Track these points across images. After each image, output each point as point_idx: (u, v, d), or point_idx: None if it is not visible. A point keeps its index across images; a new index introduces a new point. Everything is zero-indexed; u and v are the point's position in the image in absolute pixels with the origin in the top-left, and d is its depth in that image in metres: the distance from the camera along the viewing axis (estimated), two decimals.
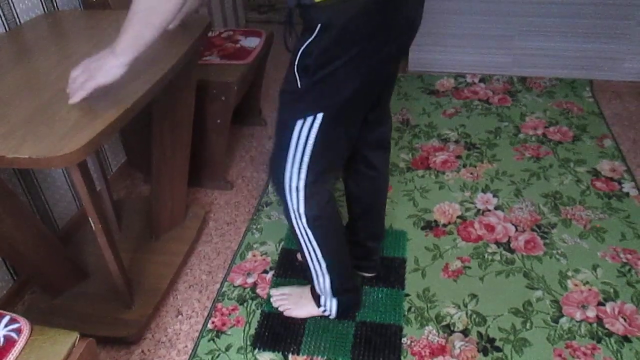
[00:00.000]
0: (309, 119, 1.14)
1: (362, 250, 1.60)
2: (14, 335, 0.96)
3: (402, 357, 1.44)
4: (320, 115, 1.13)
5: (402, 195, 2.02)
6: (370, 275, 1.66)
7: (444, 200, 1.99)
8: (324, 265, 1.39)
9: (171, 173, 1.71)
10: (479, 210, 1.93)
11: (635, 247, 1.74)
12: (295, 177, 1.21)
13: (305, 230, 1.30)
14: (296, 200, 1.25)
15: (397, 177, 2.11)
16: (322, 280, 1.43)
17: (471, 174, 2.12)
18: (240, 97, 2.02)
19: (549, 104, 2.55)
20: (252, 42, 2.13)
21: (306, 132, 1.15)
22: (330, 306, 1.50)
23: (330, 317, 1.53)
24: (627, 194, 1.97)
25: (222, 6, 3.00)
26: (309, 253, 1.37)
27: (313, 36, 1.06)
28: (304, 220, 1.28)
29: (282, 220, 1.93)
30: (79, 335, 0.99)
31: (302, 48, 1.08)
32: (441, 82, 2.79)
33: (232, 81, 1.88)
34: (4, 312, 1.01)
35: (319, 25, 1.04)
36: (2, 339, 0.95)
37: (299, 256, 1.72)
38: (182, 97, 1.62)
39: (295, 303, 1.56)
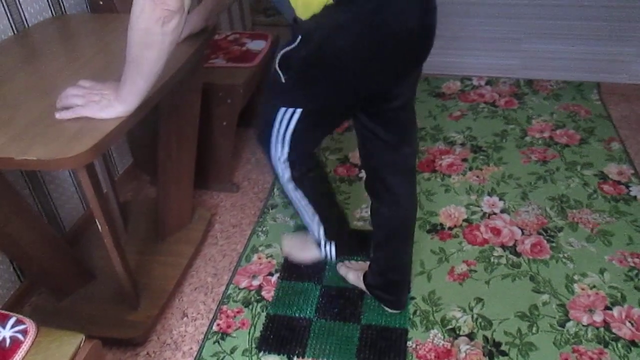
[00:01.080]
0: (290, 110, 1.21)
1: (383, 281, 1.53)
2: (20, 336, 0.97)
3: None
4: (299, 111, 1.20)
5: None
6: (394, 311, 1.57)
7: (450, 203, 1.99)
8: (316, 218, 1.48)
9: (177, 175, 1.72)
10: (485, 213, 1.93)
11: None
12: (280, 150, 1.29)
13: (295, 190, 1.39)
14: (282, 168, 1.34)
15: None
16: (318, 229, 1.51)
17: (477, 177, 2.11)
18: (246, 100, 2.02)
19: (555, 107, 2.54)
20: (258, 45, 2.13)
21: (287, 119, 1.22)
22: (330, 250, 1.56)
23: (332, 260, 1.62)
24: (635, 198, 1.96)
25: (228, 9, 3.01)
26: (302, 209, 1.45)
27: (294, 45, 1.10)
28: (292, 184, 1.37)
29: (288, 223, 1.93)
30: (84, 337, 1.00)
31: (283, 52, 1.13)
32: (447, 84, 2.78)
33: (238, 84, 1.89)
34: (11, 313, 1.02)
35: (299, 37, 1.09)
36: (8, 340, 0.96)
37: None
38: (188, 99, 1.62)
39: (301, 249, 1.67)
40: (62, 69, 1.32)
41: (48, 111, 1.12)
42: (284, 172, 1.34)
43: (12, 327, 0.98)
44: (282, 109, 1.22)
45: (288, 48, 1.11)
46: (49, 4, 1.67)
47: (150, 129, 1.85)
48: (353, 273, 1.63)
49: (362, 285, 1.59)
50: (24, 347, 0.96)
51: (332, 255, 1.57)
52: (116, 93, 1.11)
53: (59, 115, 1.10)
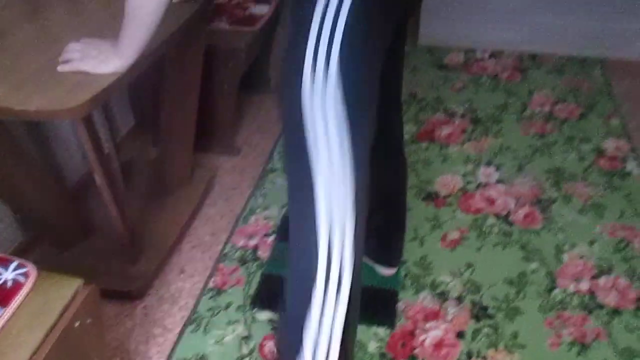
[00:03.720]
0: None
1: (377, 243, 1.53)
2: (21, 278, 1.01)
3: (396, 321, 1.48)
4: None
5: None
6: (388, 271, 1.58)
7: (447, 172, 2.01)
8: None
9: (178, 133, 1.75)
10: (480, 183, 1.95)
11: (633, 224, 1.76)
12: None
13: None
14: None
15: None
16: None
17: (475, 147, 2.13)
18: (248, 64, 2.03)
19: (558, 82, 2.54)
20: (262, 9, 2.13)
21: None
22: None
23: None
24: (630, 173, 1.98)
25: None
26: None
27: None
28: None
29: (285, 187, 1.95)
30: (82, 282, 1.04)
31: None
32: (450, 56, 2.77)
33: (241, 47, 1.90)
34: (13, 257, 1.06)
35: None
36: (10, 282, 1.00)
37: None
38: (192, 58, 1.64)
39: None
40: (64, 23, 1.33)
41: (48, 64, 1.14)
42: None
43: (14, 270, 1.02)
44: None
45: None
46: None
47: (153, 89, 1.87)
48: None
49: None
50: (25, 289, 1.00)
51: None
52: (114, 48, 1.13)
53: (60, 68, 1.13)
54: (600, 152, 2.08)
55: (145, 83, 1.85)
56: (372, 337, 1.44)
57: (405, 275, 1.61)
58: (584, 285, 1.56)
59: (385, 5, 0.93)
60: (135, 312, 1.54)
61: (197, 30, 1.55)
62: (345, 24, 0.84)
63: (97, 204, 1.80)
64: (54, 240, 1.64)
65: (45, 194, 1.53)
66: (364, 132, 0.94)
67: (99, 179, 1.27)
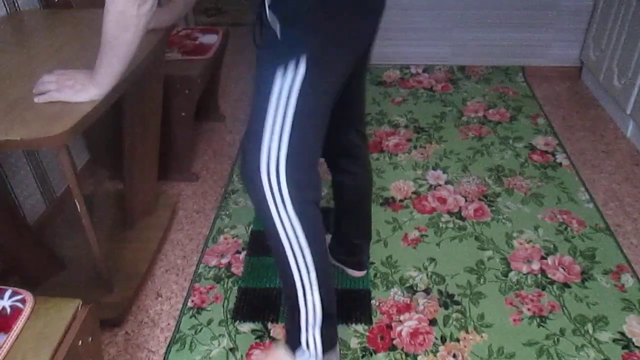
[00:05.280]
0: (291, 67, 1.04)
1: (347, 246, 1.65)
2: (19, 304, 1.03)
3: (372, 317, 1.57)
4: (303, 60, 1.03)
5: None
6: (359, 273, 1.68)
7: (399, 178, 2.15)
8: (313, 274, 1.16)
9: (142, 163, 1.78)
10: (431, 185, 2.10)
11: (569, 208, 1.95)
12: (276, 147, 1.07)
13: (290, 220, 1.10)
14: (276, 179, 1.08)
15: None
16: (311, 298, 1.18)
17: (421, 154, 2.29)
18: (202, 91, 2.10)
19: (487, 89, 2.77)
20: (210, 39, 2.22)
21: (288, 85, 1.04)
22: (315, 344, 1.23)
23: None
24: (560, 164, 2.19)
25: None
26: (294, 255, 1.14)
27: None
28: (288, 205, 1.09)
29: (250, 205, 2.02)
30: (80, 302, 1.06)
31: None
32: (388, 73, 2.96)
33: (195, 75, 1.97)
34: (5, 286, 1.07)
35: None
36: (8, 309, 1.01)
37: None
38: (152, 89, 1.69)
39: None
40: (26, 64, 1.35)
41: (20, 100, 1.17)
42: (280, 184, 1.07)
43: (10, 297, 1.04)
44: (280, 74, 1.04)
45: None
46: (2, 2, 1.69)
47: (108, 125, 1.90)
48: None
49: None
50: (25, 314, 1.02)
51: (318, 354, 1.22)
52: (90, 77, 1.18)
53: (37, 99, 1.16)
54: (532, 149, 2.29)
55: (100, 117, 1.88)
56: (353, 334, 1.52)
57: (375, 275, 1.71)
58: (535, 266, 1.72)
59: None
60: (116, 339, 1.54)
61: (157, 59, 1.62)
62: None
63: (61, 240, 1.80)
64: (23, 278, 1.62)
65: (8, 227, 1.52)
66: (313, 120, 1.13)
67: (79, 205, 1.29)
